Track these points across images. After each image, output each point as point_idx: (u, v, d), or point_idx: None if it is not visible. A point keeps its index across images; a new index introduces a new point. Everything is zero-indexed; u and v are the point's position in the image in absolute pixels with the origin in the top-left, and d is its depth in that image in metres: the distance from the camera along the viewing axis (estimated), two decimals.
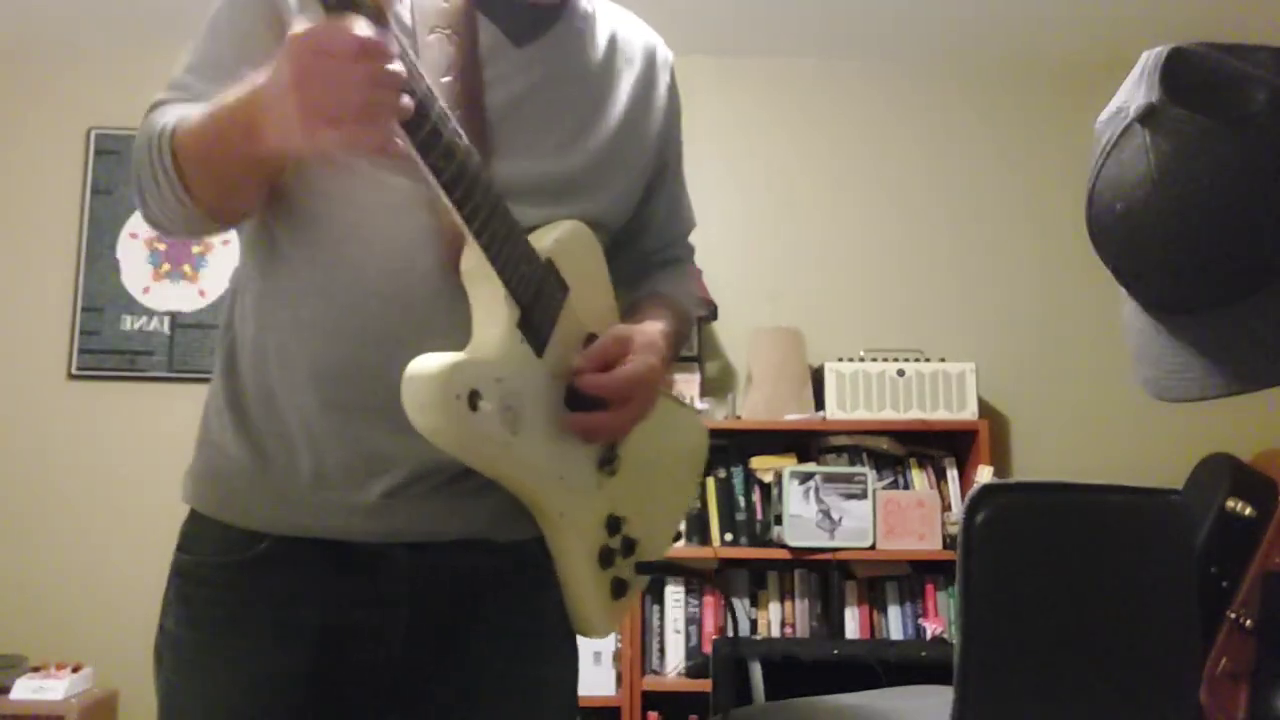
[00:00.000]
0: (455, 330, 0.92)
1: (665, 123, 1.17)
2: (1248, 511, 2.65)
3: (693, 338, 3.19)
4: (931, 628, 2.82)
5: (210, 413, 1.03)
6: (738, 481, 2.92)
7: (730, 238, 3.24)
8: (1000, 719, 1.40)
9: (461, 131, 0.86)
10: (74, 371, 3.16)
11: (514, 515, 0.98)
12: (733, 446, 2.95)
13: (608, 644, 2.71)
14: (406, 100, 0.78)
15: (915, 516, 2.83)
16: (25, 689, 2.69)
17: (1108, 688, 1.46)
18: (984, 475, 2.75)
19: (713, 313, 3.04)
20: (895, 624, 2.88)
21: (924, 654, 2.62)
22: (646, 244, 1.21)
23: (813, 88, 3.36)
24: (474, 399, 0.86)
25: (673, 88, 1.19)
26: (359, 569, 0.96)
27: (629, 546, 1.07)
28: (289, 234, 1.00)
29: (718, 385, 3.19)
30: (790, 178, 3.32)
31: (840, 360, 2.95)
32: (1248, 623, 2.53)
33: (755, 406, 2.97)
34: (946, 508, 2.89)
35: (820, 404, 2.95)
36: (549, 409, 0.97)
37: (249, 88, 0.84)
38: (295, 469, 0.96)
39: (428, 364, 0.84)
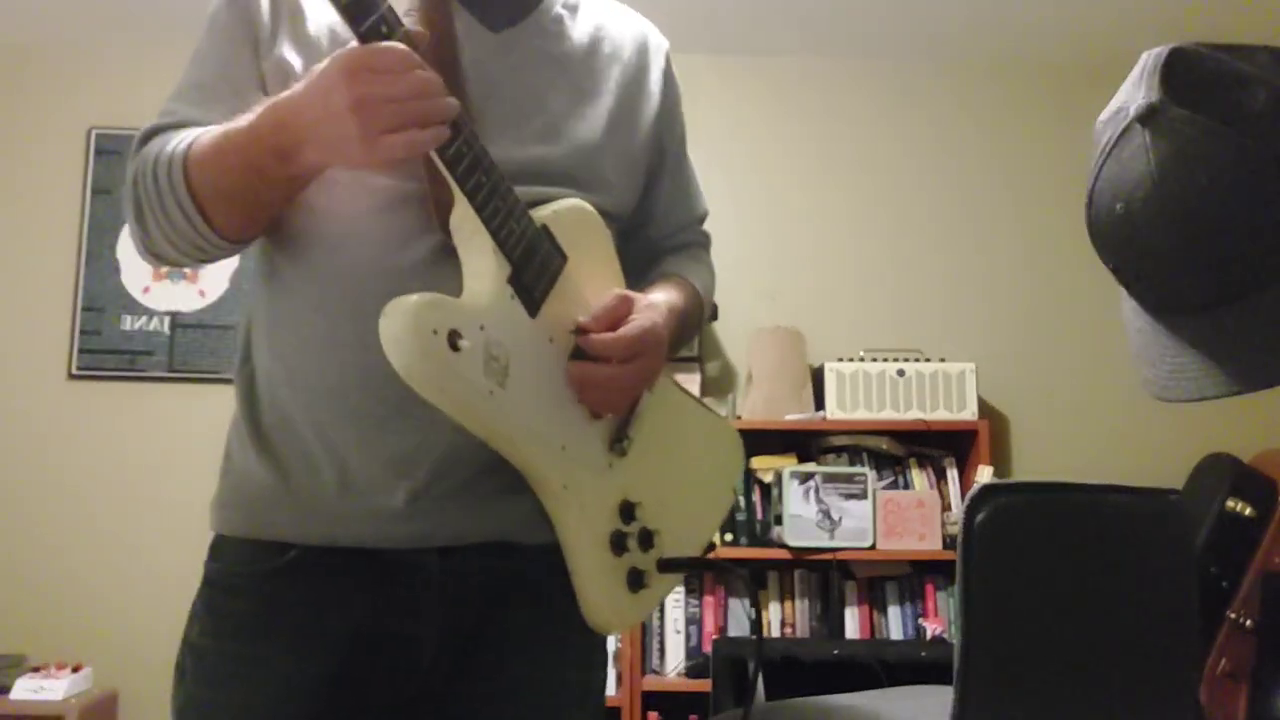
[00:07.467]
0: None
1: (661, 110, 1.16)
2: (1248, 511, 2.65)
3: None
4: (931, 628, 2.82)
5: (232, 443, 1.04)
6: (737, 481, 2.92)
7: (730, 238, 3.23)
8: (1000, 719, 1.40)
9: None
10: (74, 371, 3.16)
11: (542, 517, 0.97)
12: None
13: (608, 644, 2.70)
14: (452, 100, 0.85)
15: (915, 516, 2.83)
16: (25, 689, 2.69)
17: (1107, 688, 1.46)
18: (984, 475, 2.75)
19: (713, 313, 3.04)
20: (895, 624, 2.88)
21: (924, 654, 2.62)
22: (654, 232, 1.20)
23: (813, 88, 3.36)
24: (454, 338, 0.83)
25: (668, 74, 1.18)
26: (390, 577, 0.96)
27: (646, 538, 1.02)
28: (287, 258, 1.01)
29: (718, 385, 3.19)
30: (790, 178, 3.32)
31: (840, 360, 2.94)
32: (1248, 623, 2.53)
33: (755, 406, 2.96)
34: (946, 508, 2.89)
35: (820, 404, 2.95)
36: (546, 373, 0.94)
37: (275, 112, 0.87)
38: (319, 482, 0.96)
39: (405, 300, 0.83)
